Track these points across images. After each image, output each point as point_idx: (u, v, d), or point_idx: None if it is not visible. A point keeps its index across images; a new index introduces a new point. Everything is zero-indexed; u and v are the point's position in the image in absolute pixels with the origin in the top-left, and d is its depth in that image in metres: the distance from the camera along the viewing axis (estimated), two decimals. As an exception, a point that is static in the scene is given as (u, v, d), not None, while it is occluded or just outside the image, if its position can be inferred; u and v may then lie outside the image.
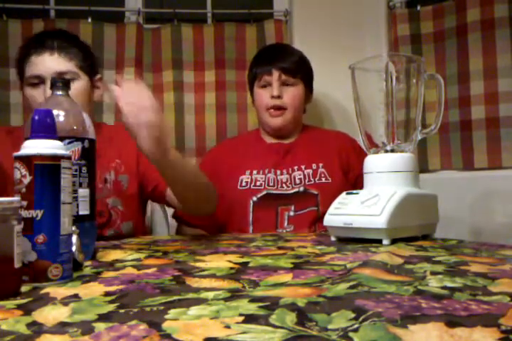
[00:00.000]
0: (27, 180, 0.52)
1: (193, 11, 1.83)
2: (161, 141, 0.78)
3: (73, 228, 0.58)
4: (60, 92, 0.71)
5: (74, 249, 0.58)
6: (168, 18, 1.76)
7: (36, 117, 0.56)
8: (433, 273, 0.53)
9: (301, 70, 1.37)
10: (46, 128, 0.56)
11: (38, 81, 1.06)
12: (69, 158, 0.56)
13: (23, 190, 0.52)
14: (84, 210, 0.70)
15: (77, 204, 0.68)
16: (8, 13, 1.65)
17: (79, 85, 1.10)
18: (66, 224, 0.54)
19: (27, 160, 0.52)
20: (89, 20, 1.68)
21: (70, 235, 0.55)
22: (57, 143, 0.56)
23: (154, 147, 0.77)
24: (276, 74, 1.34)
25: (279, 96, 1.34)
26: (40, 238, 0.51)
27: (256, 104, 1.41)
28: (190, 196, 1.01)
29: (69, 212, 0.55)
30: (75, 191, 0.68)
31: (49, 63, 1.05)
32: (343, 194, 0.93)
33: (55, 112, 0.68)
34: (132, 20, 1.77)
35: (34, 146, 0.54)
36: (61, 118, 0.69)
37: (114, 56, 1.70)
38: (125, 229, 1.14)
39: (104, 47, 1.69)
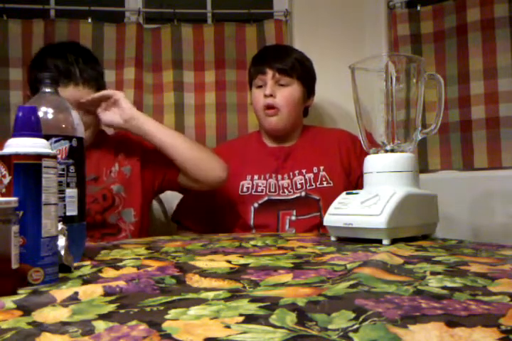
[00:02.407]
0: (6, 180, 0.50)
1: (193, 11, 1.83)
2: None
3: (61, 229, 0.56)
4: (48, 89, 0.69)
5: (62, 251, 0.56)
6: (168, 18, 1.76)
7: (20, 114, 0.53)
8: (433, 273, 0.53)
9: (297, 70, 1.35)
10: (29, 125, 0.54)
11: None
12: (53, 156, 0.54)
13: (3, 190, 0.50)
14: (72, 211, 0.67)
15: (65, 205, 0.66)
16: (8, 13, 1.65)
17: None
18: (48, 226, 0.52)
19: (6, 159, 0.51)
20: (89, 20, 1.68)
21: (53, 237, 0.53)
22: (41, 141, 0.54)
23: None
24: (270, 73, 1.33)
25: (271, 95, 1.32)
26: (19, 240, 0.48)
27: (253, 104, 1.40)
28: (186, 154, 1.16)
29: (53, 214, 0.53)
30: (62, 191, 0.66)
31: (73, 94, 1.09)
32: (343, 194, 0.93)
33: (42, 109, 0.67)
34: (132, 20, 1.76)
35: (14, 145, 0.52)
36: (48, 116, 0.67)
37: (114, 56, 1.70)
38: (126, 215, 1.17)
39: (104, 47, 1.69)
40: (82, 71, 1.12)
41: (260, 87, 1.36)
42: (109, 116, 1.14)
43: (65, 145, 0.68)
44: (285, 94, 1.34)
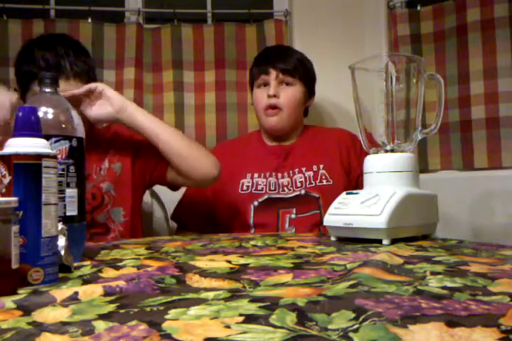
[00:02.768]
0: (6, 180, 0.50)
1: (193, 11, 1.84)
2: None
3: (61, 229, 0.56)
4: (48, 89, 0.69)
5: (62, 251, 0.56)
6: (168, 18, 1.76)
7: (20, 114, 0.53)
8: (433, 273, 0.53)
9: (299, 70, 1.36)
10: (30, 125, 0.54)
11: None
12: (53, 156, 0.54)
13: (3, 190, 0.50)
14: (72, 211, 0.68)
15: (65, 205, 0.66)
16: (8, 13, 1.65)
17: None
18: (48, 226, 0.52)
19: (6, 159, 0.50)
20: (89, 20, 1.68)
21: (53, 237, 0.53)
22: (41, 141, 0.54)
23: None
24: (273, 73, 1.34)
25: (275, 96, 1.33)
26: (19, 240, 0.48)
27: (254, 104, 1.41)
28: (179, 149, 1.13)
29: (53, 214, 0.53)
30: (62, 191, 0.66)
31: (64, 89, 1.05)
32: (343, 194, 0.93)
33: (42, 109, 0.67)
34: (132, 20, 1.77)
35: (15, 145, 0.52)
36: (48, 116, 0.67)
37: (114, 56, 1.70)
38: (115, 214, 1.15)
39: (104, 47, 1.69)
40: (72, 64, 1.08)
41: (262, 86, 1.36)
42: (98, 110, 1.09)
43: (65, 145, 0.68)
44: (288, 94, 1.35)
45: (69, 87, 1.06)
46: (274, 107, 1.34)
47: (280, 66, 1.34)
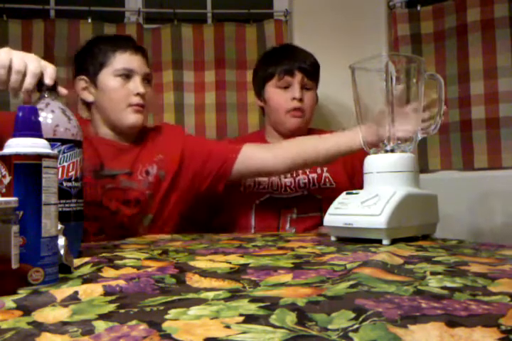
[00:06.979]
0: (7, 180, 0.50)
1: (193, 11, 1.84)
2: None
3: (60, 229, 0.57)
4: (46, 95, 0.73)
5: (62, 251, 0.56)
6: (168, 18, 1.76)
7: (20, 114, 0.53)
8: (433, 273, 0.53)
9: (317, 75, 1.37)
10: (30, 125, 0.54)
11: (129, 74, 1.16)
12: (53, 156, 0.54)
13: (3, 190, 0.50)
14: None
15: None
16: (8, 13, 1.65)
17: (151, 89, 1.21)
18: (48, 226, 0.52)
19: (7, 159, 0.51)
20: (89, 20, 1.68)
21: (53, 237, 0.53)
22: (41, 141, 0.54)
23: None
24: (299, 76, 1.32)
25: (300, 99, 1.32)
26: (19, 240, 0.48)
27: (271, 104, 1.36)
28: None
29: (53, 214, 0.53)
30: None
31: (141, 63, 1.17)
32: (343, 194, 0.93)
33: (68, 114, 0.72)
34: (132, 20, 1.77)
35: (14, 145, 0.52)
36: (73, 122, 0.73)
37: (114, 56, 1.70)
38: (145, 221, 1.12)
39: (104, 47, 1.69)
40: (144, 52, 1.20)
41: (284, 87, 1.33)
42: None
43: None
44: (310, 98, 1.35)
45: (144, 64, 1.17)
46: (299, 110, 1.33)
47: (306, 69, 1.32)
